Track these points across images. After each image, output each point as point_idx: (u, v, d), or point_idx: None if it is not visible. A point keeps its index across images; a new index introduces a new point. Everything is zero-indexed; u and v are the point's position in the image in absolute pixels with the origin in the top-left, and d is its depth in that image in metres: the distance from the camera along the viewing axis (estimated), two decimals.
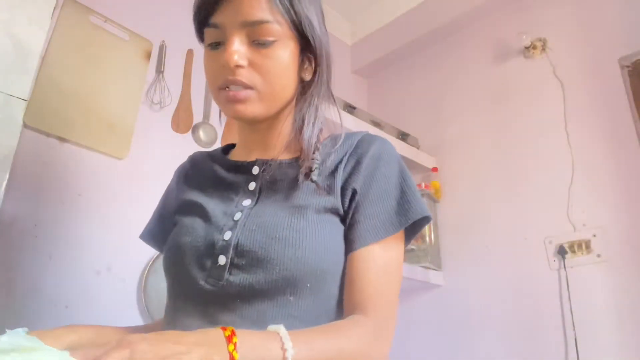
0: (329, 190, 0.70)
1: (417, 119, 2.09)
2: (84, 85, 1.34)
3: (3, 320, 1.06)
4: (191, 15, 0.72)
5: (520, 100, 1.76)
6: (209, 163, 0.82)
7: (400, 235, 0.70)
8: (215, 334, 0.48)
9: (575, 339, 1.40)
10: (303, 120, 0.74)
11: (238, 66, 0.66)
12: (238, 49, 0.66)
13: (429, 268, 1.74)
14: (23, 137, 1.17)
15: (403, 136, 1.94)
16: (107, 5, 1.44)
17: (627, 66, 1.53)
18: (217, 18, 0.68)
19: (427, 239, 1.78)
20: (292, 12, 0.69)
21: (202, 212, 0.73)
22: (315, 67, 0.74)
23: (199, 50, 1.67)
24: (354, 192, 0.69)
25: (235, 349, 0.47)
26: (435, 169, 1.93)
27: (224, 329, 0.49)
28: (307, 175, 0.70)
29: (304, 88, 0.76)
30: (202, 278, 0.66)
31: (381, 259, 0.67)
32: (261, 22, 0.66)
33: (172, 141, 1.53)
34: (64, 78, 1.30)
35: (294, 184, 0.71)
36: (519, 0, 1.86)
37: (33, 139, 1.24)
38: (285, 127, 0.76)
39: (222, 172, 0.78)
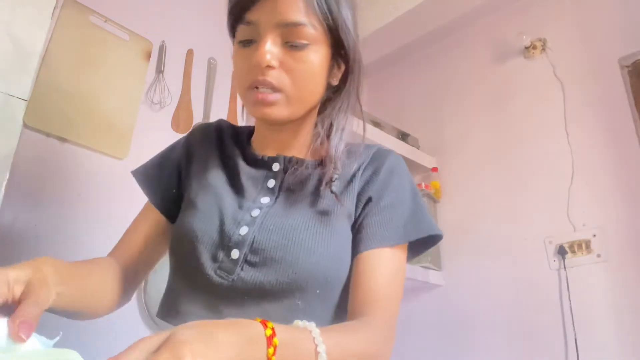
0: (346, 199, 0.70)
1: (417, 119, 2.09)
2: (84, 85, 1.34)
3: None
4: (227, 6, 0.71)
5: (520, 100, 1.76)
6: (231, 143, 0.79)
7: (406, 247, 0.71)
8: (257, 335, 0.45)
9: (575, 339, 1.40)
10: (331, 126, 0.73)
11: (269, 67, 0.65)
12: (271, 49, 0.65)
13: (429, 268, 1.74)
14: (23, 137, 1.17)
15: (403, 136, 1.94)
16: (107, 5, 1.44)
17: (627, 66, 1.53)
18: (252, 15, 0.66)
19: None
20: (329, 17, 0.67)
21: (218, 200, 0.71)
22: (347, 73, 0.74)
23: (199, 50, 1.68)
24: (369, 199, 0.70)
25: (274, 353, 0.45)
26: (435, 169, 1.93)
27: (265, 326, 0.46)
28: (328, 184, 0.70)
29: (332, 93, 0.75)
30: (212, 268, 0.65)
31: (390, 263, 0.68)
32: (296, 25, 0.65)
33: (172, 141, 1.53)
34: (64, 78, 1.30)
35: (314, 188, 0.71)
36: (519, 0, 1.86)
37: (33, 139, 1.24)
38: (305, 129, 0.75)
39: (241, 161, 0.76)
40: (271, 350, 0.44)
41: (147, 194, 0.82)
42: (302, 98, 0.69)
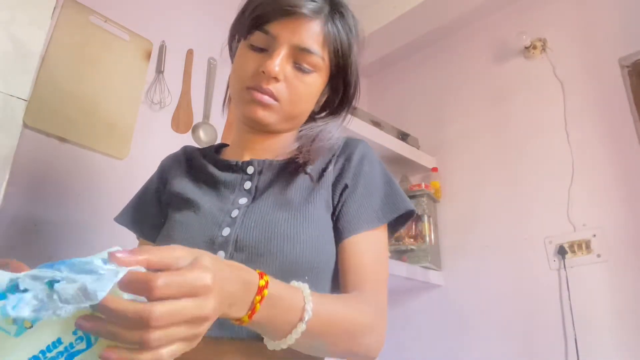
0: (322, 185, 0.73)
1: (417, 119, 2.09)
2: (84, 85, 1.34)
3: None
4: (245, 8, 0.75)
5: (520, 100, 1.76)
6: (201, 160, 0.83)
7: (385, 227, 0.75)
8: (252, 282, 0.49)
9: (575, 339, 1.40)
10: (308, 136, 0.78)
11: (275, 79, 0.70)
12: (282, 63, 0.70)
13: (429, 268, 1.74)
14: (23, 137, 1.16)
15: (403, 136, 1.94)
16: (107, 5, 1.44)
17: (627, 66, 1.53)
18: (273, 28, 0.71)
19: (427, 239, 1.77)
20: (340, 56, 0.75)
21: (195, 208, 0.74)
22: (342, 103, 0.81)
23: (199, 50, 1.68)
24: (345, 187, 0.73)
25: (260, 301, 0.49)
26: (435, 169, 1.93)
27: (262, 277, 0.50)
28: (303, 167, 0.73)
29: (317, 110, 0.81)
30: None
31: (373, 245, 0.71)
32: (310, 53, 0.71)
33: (172, 141, 1.53)
34: (64, 78, 1.30)
35: (289, 182, 0.73)
36: (519, 0, 1.86)
37: (33, 139, 1.23)
38: (284, 142, 0.79)
39: (214, 170, 0.79)
40: (258, 297, 0.49)
41: (134, 231, 0.86)
42: (293, 113, 0.74)
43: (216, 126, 1.64)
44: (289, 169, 0.75)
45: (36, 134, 1.24)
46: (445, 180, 1.91)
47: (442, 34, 2.08)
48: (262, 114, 0.71)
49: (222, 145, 0.89)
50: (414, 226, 1.81)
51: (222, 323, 0.63)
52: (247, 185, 0.74)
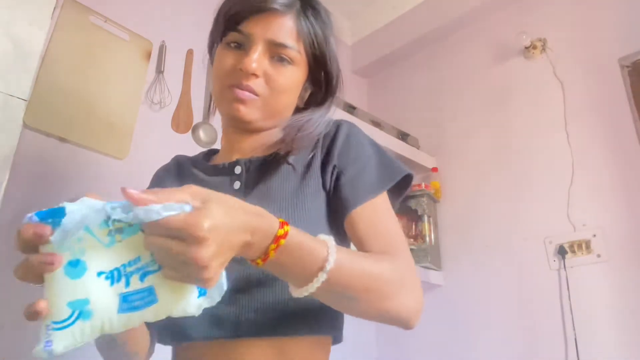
0: (310, 173, 0.73)
1: (417, 119, 2.09)
2: (84, 85, 1.34)
3: (4, 320, 1.06)
4: (219, 12, 0.76)
5: (520, 100, 1.76)
6: (191, 169, 0.83)
7: (385, 196, 0.74)
8: (270, 230, 0.50)
9: (575, 339, 1.40)
10: (292, 127, 0.77)
11: (254, 75, 0.70)
12: (259, 58, 0.70)
13: (429, 268, 1.74)
14: (23, 137, 1.16)
15: (403, 136, 1.94)
16: (107, 5, 1.44)
17: (627, 66, 1.53)
18: (246, 27, 0.72)
19: (427, 239, 1.78)
20: (315, 48, 0.75)
21: None
22: (326, 95, 0.81)
23: (199, 50, 1.67)
24: (334, 167, 0.73)
25: (275, 249, 0.50)
26: (435, 169, 1.93)
27: (282, 226, 0.51)
28: (284, 158, 0.73)
29: (302, 106, 0.81)
30: None
31: (382, 212, 0.70)
32: (285, 47, 0.72)
33: (172, 141, 1.53)
34: (64, 78, 1.30)
35: (276, 176, 0.73)
36: (519, 0, 1.86)
37: (33, 139, 1.23)
38: (272, 134, 0.79)
39: (203, 176, 0.79)
40: (273, 245, 0.50)
41: None
42: (275, 107, 0.74)
43: (216, 126, 1.64)
44: (274, 162, 0.74)
45: (36, 134, 1.24)
46: (445, 180, 1.91)
47: (442, 34, 2.08)
48: (245, 111, 0.72)
49: (213, 152, 0.90)
50: (414, 226, 1.81)
51: (239, 324, 0.63)
52: (237, 185, 0.74)
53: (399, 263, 0.64)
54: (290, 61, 0.73)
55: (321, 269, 0.53)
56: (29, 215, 0.44)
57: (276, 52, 0.72)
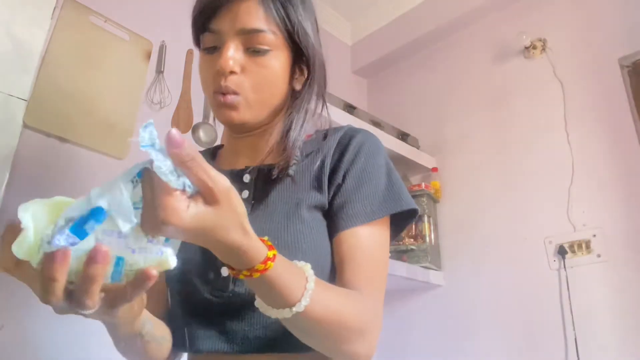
0: (318, 187, 0.71)
1: (417, 119, 2.09)
2: (84, 85, 1.34)
3: (4, 320, 1.06)
4: (191, 17, 0.74)
5: (520, 100, 1.76)
6: None
7: (385, 222, 0.72)
8: (258, 252, 0.49)
9: (575, 339, 1.40)
10: (291, 125, 0.75)
11: (232, 72, 0.68)
12: (233, 55, 0.68)
13: (429, 268, 1.74)
14: (23, 137, 1.17)
15: (403, 136, 1.94)
16: (107, 5, 1.44)
17: (627, 66, 1.53)
18: (214, 24, 0.70)
19: (427, 239, 1.77)
20: (287, 22, 0.71)
21: None
22: (308, 76, 0.76)
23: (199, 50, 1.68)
24: (338, 185, 0.71)
25: (262, 273, 0.49)
26: (435, 169, 1.93)
27: (270, 249, 0.50)
28: (283, 170, 0.71)
29: (295, 96, 0.77)
30: (206, 291, 0.67)
31: (371, 239, 0.68)
32: (257, 31, 0.68)
33: None
34: (64, 78, 1.30)
35: (283, 186, 0.72)
36: (519, 0, 1.86)
37: (33, 139, 1.23)
38: (274, 133, 0.77)
39: None
40: (261, 266, 0.49)
41: None
42: (262, 101, 0.71)
43: (216, 126, 1.64)
44: (279, 173, 0.73)
45: (36, 134, 1.24)
46: (445, 180, 1.91)
47: (442, 34, 2.08)
48: (233, 115, 0.70)
49: (218, 147, 0.88)
50: (414, 226, 1.81)
51: (248, 340, 0.64)
52: (245, 194, 0.72)
53: (365, 304, 0.62)
54: (268, 48, 0.69)
55: (295, 303, 0.52)
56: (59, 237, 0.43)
57: (250, 42, 0.69)
